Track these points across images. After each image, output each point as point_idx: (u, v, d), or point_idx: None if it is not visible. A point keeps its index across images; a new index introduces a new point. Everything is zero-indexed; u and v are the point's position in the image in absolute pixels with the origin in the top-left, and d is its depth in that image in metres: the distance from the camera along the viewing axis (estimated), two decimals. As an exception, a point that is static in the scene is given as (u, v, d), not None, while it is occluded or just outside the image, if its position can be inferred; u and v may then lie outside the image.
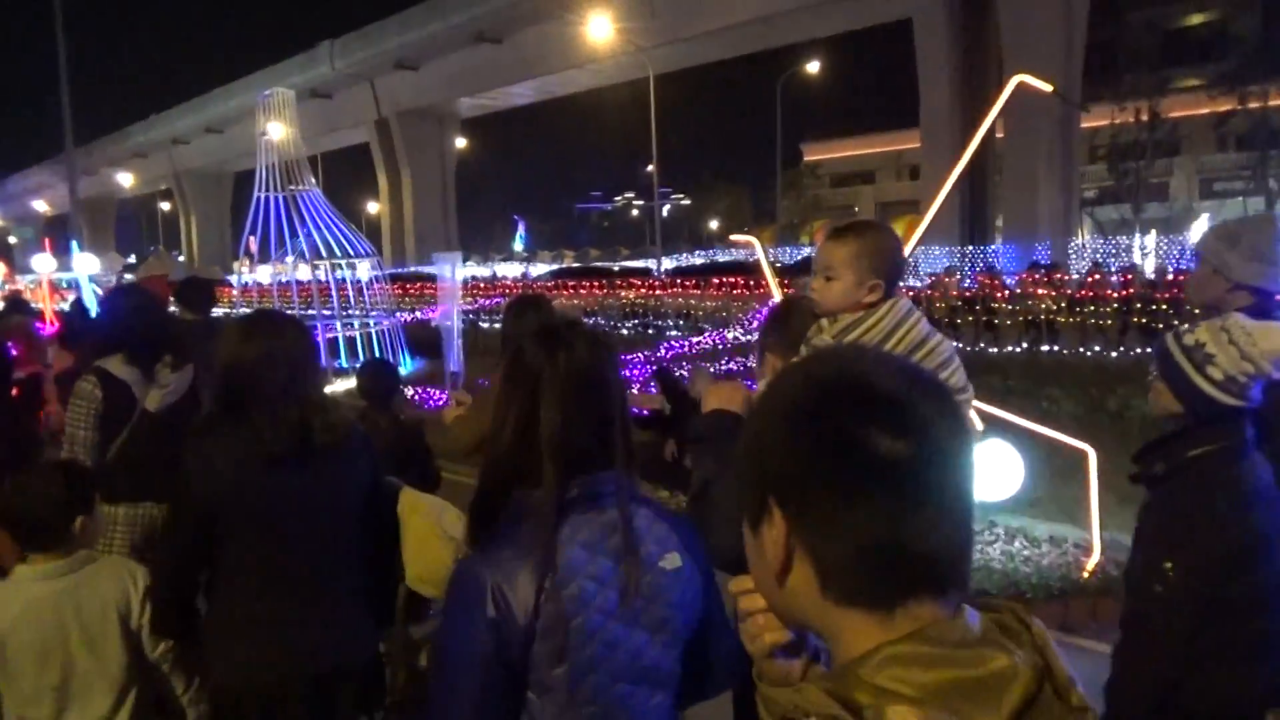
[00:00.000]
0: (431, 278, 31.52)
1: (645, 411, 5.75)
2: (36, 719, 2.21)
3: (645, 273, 26.70)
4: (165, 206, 67.71)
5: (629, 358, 11.65)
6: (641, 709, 1.49)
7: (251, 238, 13.59)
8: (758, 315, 12.64)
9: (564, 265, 41.77)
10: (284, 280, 14.44)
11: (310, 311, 13.41)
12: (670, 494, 4.94)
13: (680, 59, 38.96)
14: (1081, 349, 13.41)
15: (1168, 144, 34.37)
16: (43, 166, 67.58)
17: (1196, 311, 2.77)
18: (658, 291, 20.26)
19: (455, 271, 11.72)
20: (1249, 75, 30.46)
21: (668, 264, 32.86)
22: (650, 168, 33.14)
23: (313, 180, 13.10)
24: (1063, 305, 14.39)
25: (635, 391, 9.05)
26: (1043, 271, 16.63)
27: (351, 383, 8.17)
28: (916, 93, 29.64)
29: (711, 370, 9.91)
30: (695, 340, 13.47)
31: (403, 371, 12.21)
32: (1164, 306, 13.22)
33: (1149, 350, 6.58)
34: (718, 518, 1.71)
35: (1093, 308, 14.09)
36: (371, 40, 44.18)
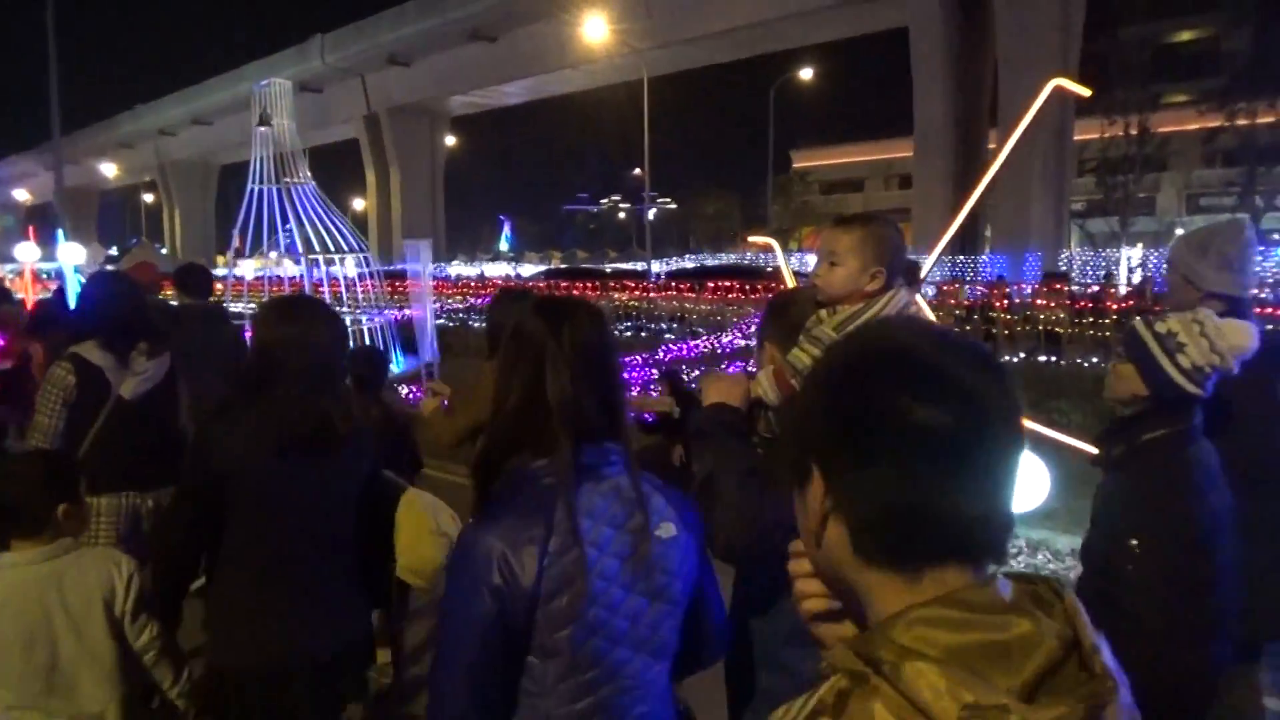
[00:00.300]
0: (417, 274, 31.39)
1: (650, 416, 5.66)
2: (25, 706, 2.22)
3: (640, 274, 26.56)
4: (149, 198, 66.96)
5: (627, 359, 11.55)
6: (641, 675, 1.53)
7: (236, 231, 13.37)
8: (755, 319, 12.52)
9: (552, 266, 41.59)
10: (269, 275, 14.20)
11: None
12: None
13: (675, 62, 38.90)
14: (1081, 360, 13.35)
15: (1156, 159, 34.53)
16: (25, 155, 66.75)
17: None
18: (652, 294, 20.13)
19: (426, 259, 11.47)
20: (1238, 92, 30.69)
21: (662, 266, 32.74)
22: (638, 171, 33.12)
23: (308, 173, 12.89)
24: (1074, 316, 14.33)
25: (637, 394, 8.92)
26: (1059, 281, 16.54)
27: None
28: (905, 102, 29.69)
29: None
30: (694, 343, 13.35)
31: (395, 369, 12.01)
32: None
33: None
34: (720, 509, 1.74)
35: (1103, 319, 14.03)
36: (364, 35, 43.87)
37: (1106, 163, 33.10)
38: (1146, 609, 1.96)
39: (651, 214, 41.84)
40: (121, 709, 2.29)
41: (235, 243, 13.70)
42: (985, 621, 0.76)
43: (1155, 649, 1.91)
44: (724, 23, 32.75)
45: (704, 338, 14.25)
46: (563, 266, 39.40)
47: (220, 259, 54.78)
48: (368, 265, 12.56)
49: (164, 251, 50.47)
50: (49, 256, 20.07)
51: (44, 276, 22.92)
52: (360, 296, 13.55)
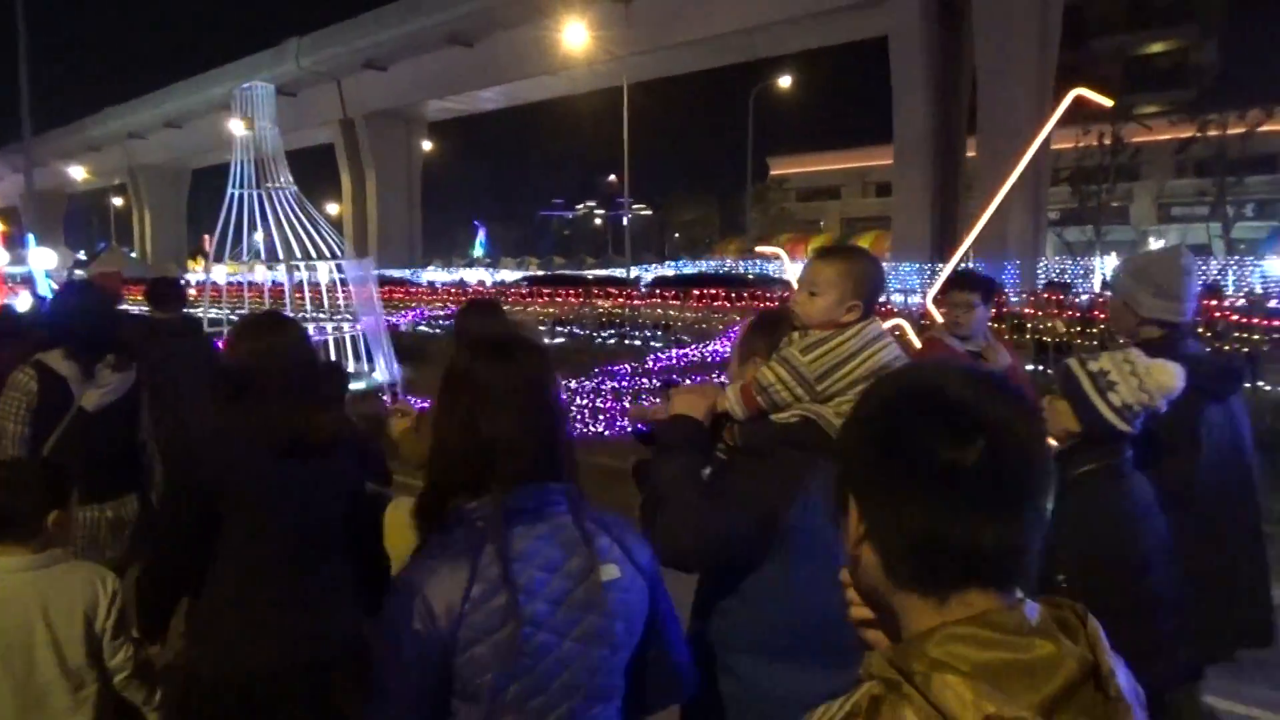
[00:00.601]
0: (397, 280, 31.06)
1: (645, 427, 5.55)
2: None
3: (622, 281, 26.44)
4: (118, 202, 65.92)
5: (616, 368, 11.43)
6: (578, 719, 1.50)
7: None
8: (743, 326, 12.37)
9: (531, 272, 41.37)
10: (244, 280, 13.94)
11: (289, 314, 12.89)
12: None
13: (655, 69, 38.88)
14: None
15: (1129, 168, 35.00)
16: (-11, 157, 65.48)
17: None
18: (635, 302, 20.00)
19: (369, 274, 11.34)
20: (1208, 104, 31.18)
21: (644, 273, 32.64)
22: (613, 177, 33.04)
23: (289, 178, 12.65)
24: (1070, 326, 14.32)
25: (629, 404, 8.81)
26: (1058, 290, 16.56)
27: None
28: (882, 111, 29.89)
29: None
30: (682, 352, 13.25)
31: (380, 378, 11.81)
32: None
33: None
34: (665, 519, 1.81)
35: (1091, 328, 14.06)
36: (340, 39, 43.46)
37: (1081, 172, 33.50)
38: None
39: (625, 220, 41.82)
40: None
41: (208, 247, 13.44)
42: (1011, 642, 0.82)
43: None
44: (704, 30, 32.76)
45: (691, 346, 14.15)
46: (540, 273, 39.15)
47: (192, 264, 54.19)
48: (357, 270, 12.30)
49: (134, 256, 49.77)
50: (17, 261, 19.67)
51: (11, 281, 22.44)
52: (344, 304, 13.31)
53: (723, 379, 2.28)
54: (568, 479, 1.57)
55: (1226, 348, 11.00)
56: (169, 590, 2.28)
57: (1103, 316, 14.51)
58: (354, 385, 11.33)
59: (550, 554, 1.49)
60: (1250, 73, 29.79)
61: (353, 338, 13.01)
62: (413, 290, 27.70)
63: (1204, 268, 23.78)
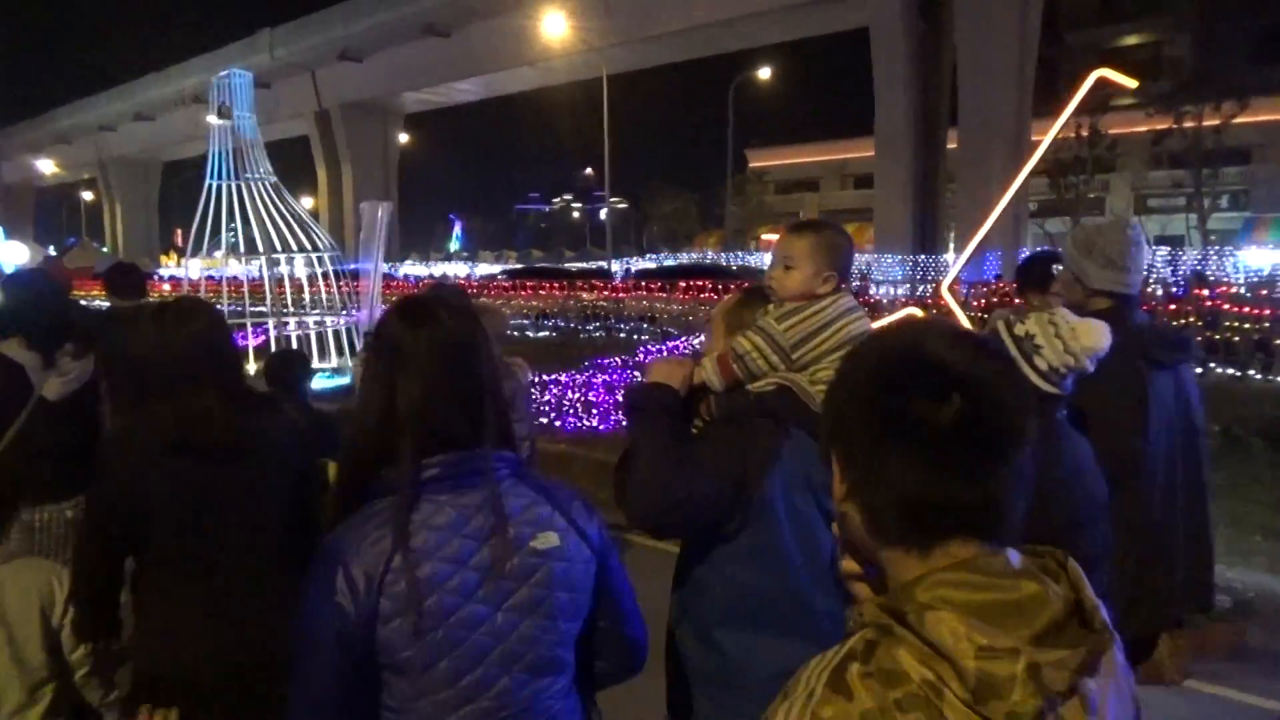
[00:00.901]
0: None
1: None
2: None
3: (604, 274, 26.29)
4: (89, 196, 64.85)
5: (604, 361, 11.29)
6: (514, 694, 1.46)
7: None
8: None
9: (510, 265, 41.08)
10: (221, 275, 13.69)
11: (261, 309, 12.69)
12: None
13: (633, 60, 38.68)
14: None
15: (1106, 160, 35.22)
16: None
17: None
18: (620, 294, 19.86)
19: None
20: (1183, 96, 31.40)
21: (623, 266, 32.49)
22: (589, 171, 32.91)
23: (268, 167, 12.39)
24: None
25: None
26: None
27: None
28: (861, 103, 29.96)
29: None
30: (672, 344, 13.14)
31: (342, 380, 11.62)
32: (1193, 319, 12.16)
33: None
34: (631, 482, 1.82)
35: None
36: (315, 29, 42.86)
37: (1058, 164, 33.71)
38: None
39: (603, 213, 41.67)
40: None
41: (180, 242, 13.16)
42: (998, 584, 0.84)
43: None
44: (683, 21, 32.59)
45: (679, 338, 14.04)
46: (519, 266, 38.88)
47: (164, 258, 53.38)
48: (334, 264, 12.09)
49: (105, 250, 48.94)
50: (-13, 256, 19.23)
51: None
52: (325, 298, 13.08)
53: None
54: (505, 447, 1.53)
55: (1217, 336, 11.03)
56: (98, 593, 2.18)
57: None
58: (332, 381, 11.12)
59: (479, 523, 1.45)
60: (1224, 65, 30.01)
61: (335, 332, 12.79)
62: (391, 284, 27.37)
63: (1183, 257, 23.99)
